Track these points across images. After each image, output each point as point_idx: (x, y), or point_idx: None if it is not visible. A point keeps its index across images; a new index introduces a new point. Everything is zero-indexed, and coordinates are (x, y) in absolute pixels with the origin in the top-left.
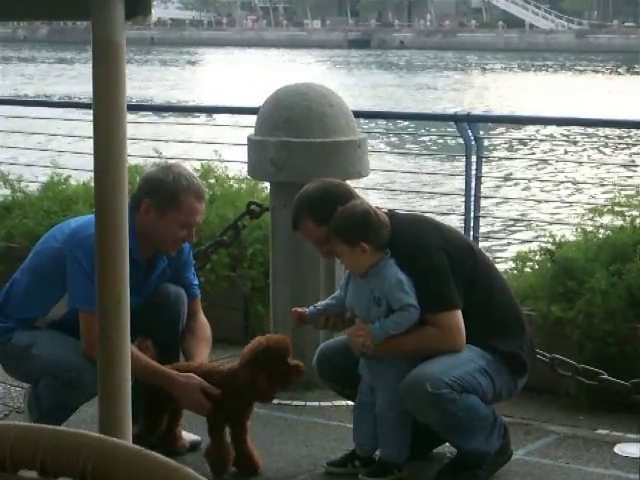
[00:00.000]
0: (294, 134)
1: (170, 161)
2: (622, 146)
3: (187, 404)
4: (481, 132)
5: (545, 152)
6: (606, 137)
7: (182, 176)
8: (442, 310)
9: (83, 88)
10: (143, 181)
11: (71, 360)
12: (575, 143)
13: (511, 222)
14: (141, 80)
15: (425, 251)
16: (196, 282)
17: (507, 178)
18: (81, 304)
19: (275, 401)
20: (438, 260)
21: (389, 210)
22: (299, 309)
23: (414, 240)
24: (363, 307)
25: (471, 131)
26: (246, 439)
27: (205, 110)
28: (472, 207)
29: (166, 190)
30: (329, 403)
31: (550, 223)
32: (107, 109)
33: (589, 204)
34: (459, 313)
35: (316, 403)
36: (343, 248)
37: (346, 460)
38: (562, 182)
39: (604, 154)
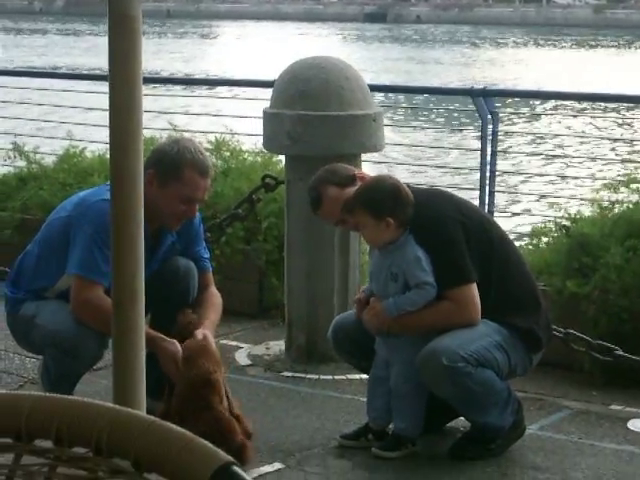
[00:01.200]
0: (310, 107)
1: (182, 134)
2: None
3: (165, 368)
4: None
5: (563, 127)
6: (617, 112)
7: (187, 149)
8: (458, 284)
9: (93, 60)
10: (150, 153)
11: (69, 329)
12: (592, 118)
13: (527, 197)
14: (151, 52)
15: (441, 224)
16: (207, 255)
17: (522, 153)
18: (76, 269)
19: (289, 374)
20: (454, 233)
21: (406, 184)
22: (361, 296)
23: (430, 213)
24: (381, 282)
25: (487, 106)
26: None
27: (220, 83)
28: (487, 182)
29: (169, 162)
30: (343, 376)
31: (569, 198)
32: (123, 81)
33: (606, 180)
34: (474, 287)
35: (330, 376)
36: (367, 220)
37: (359, 433)
38: (577, 158)
39: (624, 129)
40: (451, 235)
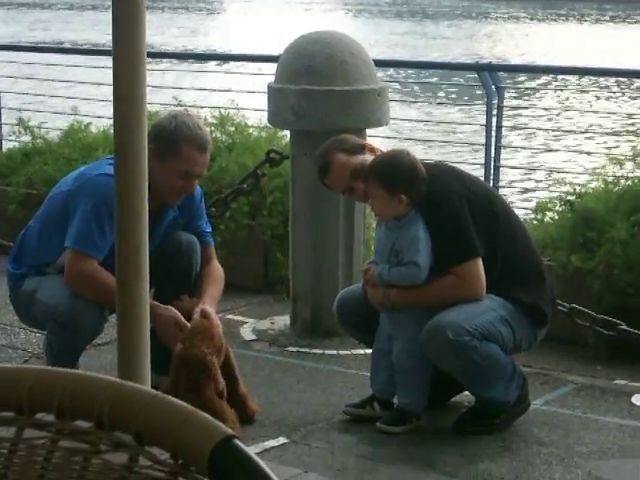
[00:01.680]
0: (315, 82)
1: (185, 109)
2: None
3: (162, 335)
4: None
5: (567, 101)
6: (627, 87)
7: (185, 124)
8: (463, 259)
9: (96, 36)
10: (150, 128)
11: (66, 303)
12: (597, 96)
13: (532, 172)
14: (154, 28)
15: (447, 199)
16: (209, 230)
17: (527, 128)
18: (72, 242)
19: (294, 349)
20: (460, 208)
21: None
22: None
23: (436, 188)
24: (384, 257)
25: (492, 80)
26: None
27: (225, 58)
28: (492, 157)
29: (167, 137)
30: (348, 351)
31: (576, 173)
32: (126, 56)
33: (611, 154)
34: (479, 262)
35: (335, 351)
36: (380, 193)
37: (365, 402)
38: (584, 132)
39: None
40: (457, 210)
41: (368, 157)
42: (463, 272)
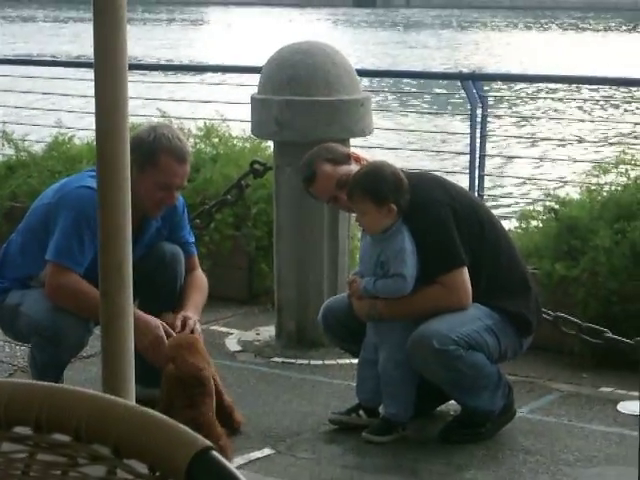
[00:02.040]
0: (298, 93)
1: (167, 120)
2: (633, 105)
3: (144, 344)
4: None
5: (549, 110)
6: (608, 97)
7: (164, 136)
8: (448, 269)
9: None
10: (130, 140)
11: (50, 317)
12: (584, 101)
13: (516, 180)
14: (136, 39)
15: (431, 208)
16: (192, 240)
17: (512, 136)
18: (52, 255)
19: (279, 359)
20: (444, 217)
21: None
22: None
23: (420, 198)
24: (370, 268)
25: (476, 90)
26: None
27: (208, 69)
28: (477, 165)
29: (146, 149)
30: (333, 362)
31: (559, 181)
32: (108, 69)
33: (594, 162)
34: (465, 271)
35: (320, 362)
36: (370, 207)
37: (350, 410)
38: (564, 140)
39: (610, 112)
40: (441, 219)
41: (354, 167)
42: (449, 281)
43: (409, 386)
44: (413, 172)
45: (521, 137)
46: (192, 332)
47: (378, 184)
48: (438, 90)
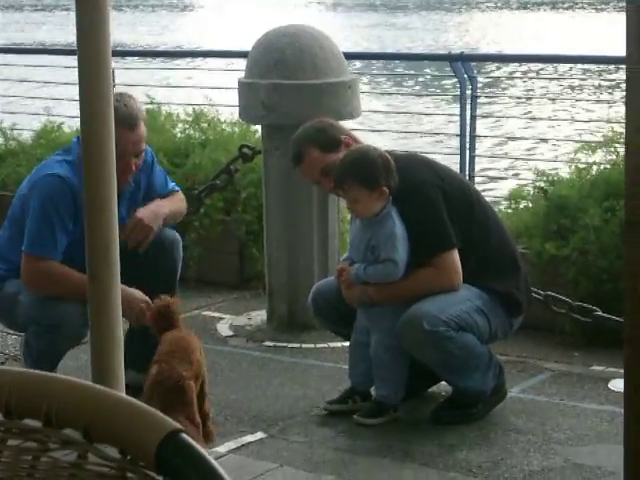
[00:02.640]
0: (285, 76)
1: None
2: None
3: (130, 312)
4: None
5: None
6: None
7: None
8: (439, 251)
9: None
10: None
11: (52, 307)
12: (572, 85)
13: (506, 160)
14: (126, 25)
15: (421, 190)
16: (171, 185)
17: (502, 117)
18: (25, 247)
19: (271, 343)
20: (434, 199)
21: (385, 150)
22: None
23: (409, 180)
24: (360, 253)
25: (465, 70)
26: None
27: (195, 54)
28: (467, 147)
29: None
30: (325, 345)
31: (549, 160)
32: (91, 55)
33: (583, 141)
34: (455, 253)
35: (312, 345)
36: (361, 192)
37: (345, 397)
38: (555, 119)
39: (601, 92)
40: (431, 201)
41: (342, 156)
42: (440, 263)
43: (399, 369)
44: (401, 153)
45: (513, 117)
46: (136, 227)
47: (368, 169)
48: (434, 73)
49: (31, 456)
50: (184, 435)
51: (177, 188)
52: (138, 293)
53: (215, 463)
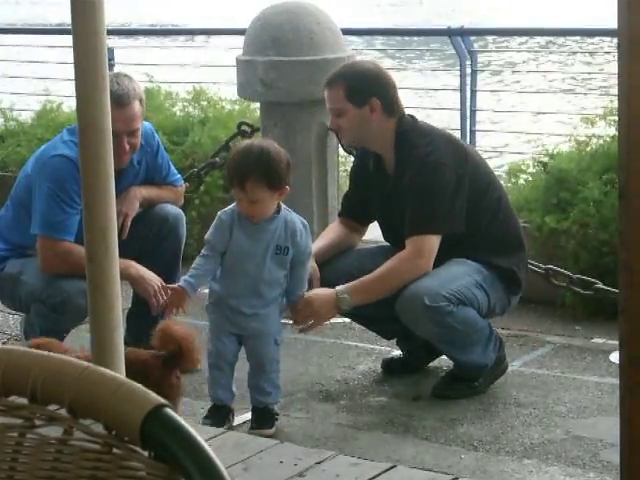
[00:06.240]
0: (283, 53)
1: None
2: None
3: (141, 286)
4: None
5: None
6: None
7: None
8: (424, 231)
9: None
10: None
11: (57, 285)
12: (575, 53)
13: (508, 135)
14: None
15: (437, 172)
16: (175, 177)
17: (503, 91)
18: (39, 229)
19: None
20: (446, 184)
21: (409, 115)
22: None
23: (432, 156)
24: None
25: (465, 45)
26: None
27: (193, 32)
28: (468, 121)
29: None
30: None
31: (549, 134)
32: (86, 33)
33: (582, 114)
34: (436, 240)
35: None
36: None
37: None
38: (555, 92)
39: (603, 63)
40: (442, 186)
41: (364, 115)
42: (418, 244)
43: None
44: (429, 127)
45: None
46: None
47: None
48: (434, 47)
49: (17, 433)
50: (168, 410)
51: (179, 183)
52: (151, 273)
53: (199, 437)
